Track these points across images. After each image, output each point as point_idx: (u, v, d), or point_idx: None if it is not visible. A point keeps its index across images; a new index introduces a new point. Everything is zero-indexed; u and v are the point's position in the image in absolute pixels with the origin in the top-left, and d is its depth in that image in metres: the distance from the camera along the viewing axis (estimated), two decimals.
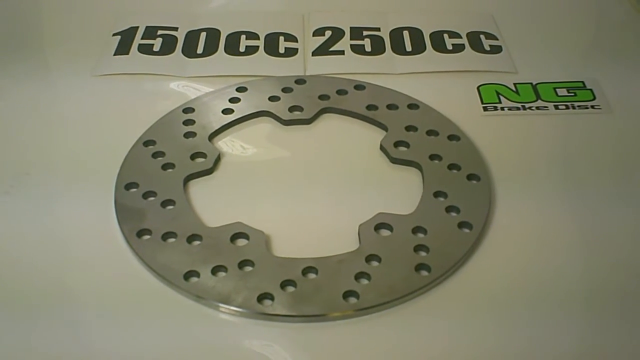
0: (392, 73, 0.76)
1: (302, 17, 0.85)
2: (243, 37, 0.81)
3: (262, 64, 0.77)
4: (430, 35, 0.81)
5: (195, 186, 0.62)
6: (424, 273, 0.53)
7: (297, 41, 0.81)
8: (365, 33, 0.82)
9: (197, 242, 0.56)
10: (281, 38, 0.81)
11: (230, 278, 0.53)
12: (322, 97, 0.71)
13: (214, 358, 0.49)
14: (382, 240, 0.56)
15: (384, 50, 0.79)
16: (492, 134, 0.67)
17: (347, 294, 0.51)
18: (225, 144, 0.67)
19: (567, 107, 0.70)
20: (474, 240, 0.56)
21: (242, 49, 0.79)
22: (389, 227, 0.57)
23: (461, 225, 0.57)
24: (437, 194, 0.59)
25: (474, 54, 0.78)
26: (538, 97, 0.71)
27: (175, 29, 0.83)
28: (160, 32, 0.82)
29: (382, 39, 0.81)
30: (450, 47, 0.79)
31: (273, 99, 0.71)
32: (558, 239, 0.57)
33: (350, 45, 0.80)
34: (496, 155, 0.64)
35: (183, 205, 0.59)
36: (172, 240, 0.56)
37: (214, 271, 0.53)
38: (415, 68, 0.76)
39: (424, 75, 0.76)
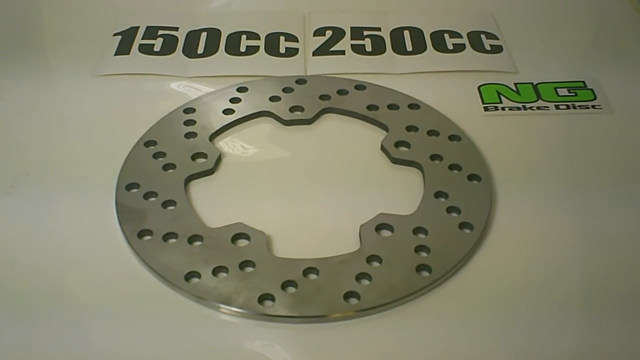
0: (393, 73, 0.76)
1: (303, 17, 0.85)
2: (244, 37, 0.81)
3: (262, 64, 0.77)
4: (431, 35, 0.81)
5: (196, 187, 0.62)
6: (425, 274, 0.53)
7: (297, 41, 0.81)
8: (365, 33, 0.82)
9: (198, 243, 0.56)
10: (282, 38, 0.81)
11: (231, 279, 0.53)
12: (323, 97, 0.71)
13: (215, 359, 0.49)
14: (383, 240, 0.56)
15: (385, 50, 0.79)
16: (493, 134, 0.67)
17: (348, 295, 0.51)
18: (226, 144, 0.67)
19: (568, 107, 0.70)
20: (474, 240, 0.56)
21: (242, 49, 0.79)
22: (389, 228, 0.57)
23: (462, 225, 0.57)
24: (438, 195, 0.59)
25: (474, 54, 0.78)
26: (539, 97, 0.71)
27: (176, 29, 0.83)
28: (160, 32, 0.82)
29: (382, 38, 0.81)
30: (450, 47, 0.79)
31: (274, 99, 0.71)
32: (559, 240, 0.57)
33: (351, 45, 0.80)
34: (497, 155, 0.64)
35: (184, 206, 0.59)
36: (173, 240, 0.56)
37: (215, 272, 0.53)
38: (416, 68, 0.76)
39: (424, 75, 0.76)
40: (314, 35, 0.81)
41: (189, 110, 0.69)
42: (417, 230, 0.56)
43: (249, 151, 0.67)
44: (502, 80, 0.74)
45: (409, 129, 0.66)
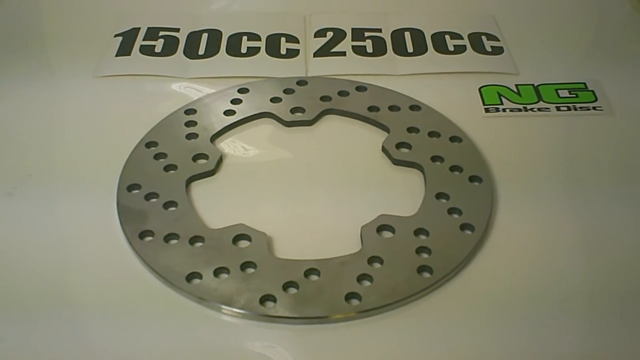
0: (394, 74, 0.76)
1: (304, 18, 0.85)
2: (244, 38, 0.81)
3: (263, 65, 0.77)
4: (432, 36, 0.81)
5: (198, 188, 0.62)
6: (426, 275, 0.53)
7: (298, 42, 0.81)
8: (366, 34, 0.82)
9: (199, 244, 0.56)
10: (282, 39, 0.81)
11: (233, 280, 0.53)
12: (324, 99, 0.71)
13: None
14: (384, 242, 0.56)
15: (386, 52, 0.79)
16: (494, 136, 0.67)
17: (349, 296, 0.51)
18: (227, 145, 0.67)
19: (569, 109, 0.70)
20: (476, 242, 0.56)
21: (243, 50, 0.79)
22: (391, 229, 0.57)
23: (463, 227, 0.57)
24: (439, 196, 0.60)
25: (475, 55, 0.78)
26: (540, 99, 0.71)
27: (177, 30, 0.83)
28: (161, 33, 0.82)
29: (383, 40, 0.81)
30: (451, 48, 0.79)
31: (275, 100, 0.71)
32: (560, 241, 0.57)
33: (352, 46, 0.80)
34: (498, 156, 0.64)
35: (185, 207, 0.59)
36: (174, 241, 0.56)
37: (216, 273, 0.53)
38: (417, 69, 0.76)
39: (425, 77, 0.76)
40: (315, 37, 0.81)
41: (190, 111, 0.69)
42: (418, 232, 0.56)
43: (250, 152, 0.67)
44: (503, 82, 0.74)
45: (410, 130, 0.67)
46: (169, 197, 0.59)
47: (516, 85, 0.73)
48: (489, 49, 0.79)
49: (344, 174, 0.64)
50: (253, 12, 0.87)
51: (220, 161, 0.64)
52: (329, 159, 0.66)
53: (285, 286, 0.52)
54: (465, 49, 0.79)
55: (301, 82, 0.73)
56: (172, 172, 0.62)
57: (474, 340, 0.50)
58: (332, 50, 0.79)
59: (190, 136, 0.66)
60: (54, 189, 0.62)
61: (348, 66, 0.77)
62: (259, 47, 0.80)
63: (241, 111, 0.70)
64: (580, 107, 0.70)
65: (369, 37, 0.81)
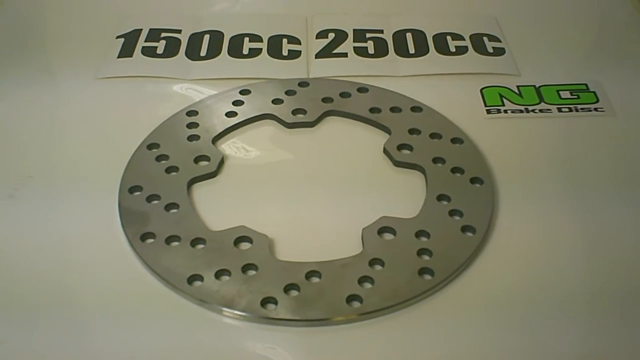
0: (395, 75, 0.76)
1: (305, 19, 0.85)
2: (246, 39, 0.81)
3: (265, 66, 0.77)
4: (434, 37, 0.81)
5: (199, 189, 0.62)
6: (428, 277, 0.53)
7: (300, 44, 0.81)
8: (368, 35, 0.82)
9: (200, 246, 0.56)
10: (284, 40, 0.81)
11: (234, 282, 0.53)
12: (326, 100, 0.71)
13: None
14: (386, 244, 0.56)
15: (387, 53, 0.79)
16: (496, 137, 0.67)
17: (350, 298, 0.51)
18: (229, 147, 0.67)
19: (571, 110, 0.70)
20: (477, 243, 0.56)
21: (245, 51, 0.79)
22: (392, 231, 0.57)
23: (464, 228, 0.57)
24: (440, 198, 0.60)
25: (477, 57, 0.78)
26: (541, 100, 0.71)
27: (179, 31, 0.83)
28: (163, 34, 0.82)
29: (385, 41, 0.81)
30: (453, 50, 0.79)
31: (276, 101, 0.71)
32: (562, 242, 0.57)
33: (354, 47, 0.80)
34: (499, 158, 0.64)
35: (187, 209, 0.59)
36: (175, 243, 0.56)
37: (218, 275, 0.53)
38: (419, 70, 0.76)
39: (427, 78, 0.76)
40: (317, 38, 0.81)
41: (191, 112, 0.69)
42: (419, 234, 0.56)
43: (251, 154, 0.67)
44: (504, 83, 0.74)
45: (412, 131, 0.67)
46: (171, 199, 0.60)
47: (518, 87, 0.73)
48: (491, 50, 0.79)
49: (345, 176, 0.64)
50: (255, 13, 0.87)
51: (221, 163, 0.64)
52: (331, 161, 0.66)
53: (287, 288, 0.52)
54: (467, 50, 0.79)
55: (303, 84, 0.73)
56: (174, 173, 0.62)
57: (476, 342, 0.50)
58: (334, 52, 0.79)
59: (192, 138, 0.66)
60: (56, 190, 0.62)
61: (349, 67, 0.77)
62: (261, 49, 0.80)
63: (243, 113, 0.70)
64: (581, 108, 0.70)
65: (370, 39, 0.81)
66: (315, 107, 0.70)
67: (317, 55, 0.79)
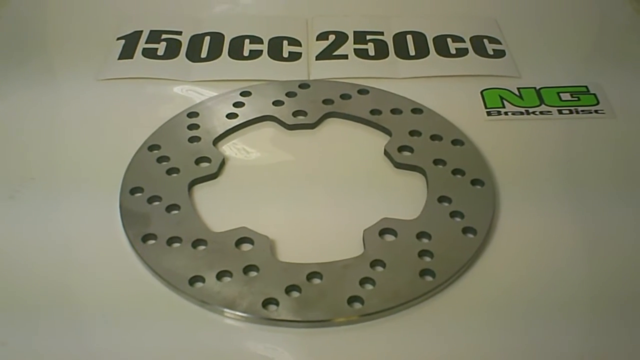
0: (396, 77, 0.76)
1: (306, 21, 0.85)
2: (247, 41, 0.81)
3: (265, 68, 0.77)
4: (434, 39, 0.81)
5: (200, 191, 0.62)
6: (429, 278, 0.53)
7: (300, 45, 0.81)
8: (368, 37, 0.82)
9: (202, 247, 0.56)
10: (285, 42, 0.81)
11: (235, 283, 0.53)
12: (326, 102, 0.71)
13: None
14: (387, 245, 0.56)
15: (388, 55, 0.79)
16: (496, 139, 0.67)
17: (351, 300, 0.51)
18: (230, 148, 0.67)
19: (571, 112, 0.70)
20: (478, 245, 0.56)
21: (246, 53, 0.79)
22: (393, 232, 0.57)
23: (465, 230, 0.57)
24: (441, 199, 0.60)
25: (477, 59, 0.78)
26: (542, 102, 0.72)
27: (179, 33, 0.83)
28: (164, 36, 0.82)
29: (385, 43, 0.81)
30: (453, 52, 0.79)
31: (277, 103, 0.71)
32: (562, 244, 0.57)
33: (354, 49, 0.80)
34: (500, 160, 0.64)
35: (188, 210, 0.59)
36: (177, 245, 0.56)
37: (219, 276, 0.53)
38: (419, 72, 0.77)
39: (427, 80, 0.76)
40: (317, 40, 0.82)
41: (192, 114, 0.69)
42: (420, 235, 0.56)
43: (252, 155, 0.67)
44: (505, 85, 0.74)
45: (412, 133, 0.67)
46: (172, 200, 0.60)
47: (518, 89, 0.73)
48: (491, 52, 0.79)
49: (346, 178, 0.64)
50: (255, 15, 0.87)
51: (222, 164, 0.64)
52: (331, 163, 0.66)
53: (288, 289, 0.52)
54: (467, 52, 0.79)
55: (303, 85, 0.73)
56: (175, 175, 0.62)
57: (477, 343, 0.50)
58: (334, 54, 0.79)
59: (193, 139, 0.66)
60: (57, 192, 0.62)
61: (350, 69, 0.77)
62: (261, 50, 0.80)
63: (243, 114, 0.70)
64: (582, 111, 0.70)
65: (371, 40, 0.81)
66: (315, 108, 0.70)
67: (318, 57, 0.79)
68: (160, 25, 0.84)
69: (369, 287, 0.52)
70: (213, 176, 0.63)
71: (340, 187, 0.63)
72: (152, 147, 0.65)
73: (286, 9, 0.88)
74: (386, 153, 0.65)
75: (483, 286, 0.54)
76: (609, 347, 0.50)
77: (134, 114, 0.71)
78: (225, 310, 0.51)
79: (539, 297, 0.53)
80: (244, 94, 0.72)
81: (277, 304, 0.51)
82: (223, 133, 0.68)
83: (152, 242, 0.56)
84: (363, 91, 0.72)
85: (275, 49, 0.80)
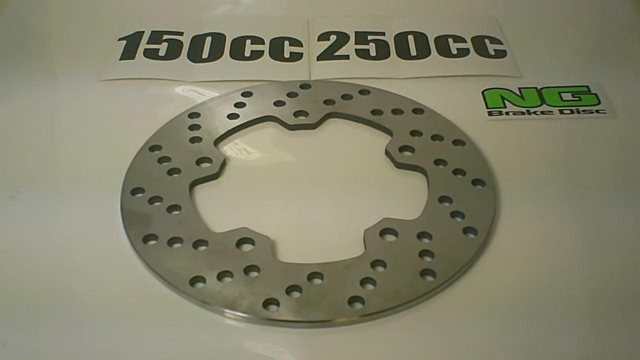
0: (397, 77, 0.76)
1: (307, 21, 0.85)
2: (248, 41, 0.81)
3: (267, 68, 0.77)
4: (435, 39, 0.81)
5: (201, 191, 0.62)
6: (429, 278, 0.53)
7: (302, 46, 0.81)
8: (370, 37, 0.82)
9: (202, 248, 0.56)
10: (286, 42, 0.81)
11: (236, 283, 0.53)
12: (327, 102, 0.71)
13: None
14: (388, 245, 0.56)
15: (389, 55, 0.79)
16: (497, 139, 0.67)
17: (352, 300, 0.51)
18: (231, 148, 0.67)
19: (572, 112, 0.70)
20: (479, 245, 0.56)
21: (247, 53, 0.80)
22: (394, 233, 0.57)
23: (466, 230, 0.57)
24: (442, 199, 0.60)
25: (478, 59, 0.78)
26: (543, 102, 0.71)
27: (181, 33, 0.83)
28: (165, 36, 0.82)
29: (386, 43, 0.81)
30: (454, 52, 0.79)
31: (278, 103, 0.71)
32: (563, 244, 0.57)
33: (355, 49, 0.80)
34: (501, 160, 0.64)
35: (189, 211, 0.59)
36: (177, 245, 0.56)
37: (220, 276, 0.53)
38: (420, 72, 0.77)
39: (428, 80, 0.76)
40: (318, 40, 0.82)
41: (193, 114, 0.69)
42: (421, 235, 0.56)
43: (253, 156, 0.67)
44: (506, 85, 0.74)
45: (413, 133, 0.67)
46: (173, 200, 0.60)
47: (519, 89, 0.73)
48: (492, 52, 0.79)
49: (347, 178, 0.64)
50: (256, 15, 0.87)
51: (223, 165, 0.64)
52: (332, 163, 0.66)
53: (289, 290, 0.52)
54: (469, 52, 0.79)
55: (304, 86, 0.73)
56: (176, 175, 0.63)
57: (477, 344, 0.50)
58: (336, 54, 0.79)
59: (194, 140, 0.66)
60: (57, 192, 0.62)
61: (351, 70, 0.77)
62: (263, 51, 0.80)
63: (245, 115, 0.70)
64: (583, 110, 0.70)
65: (372, 41, 0.81)
66: (317, 109, 0.70)
67: (319, 58, 0.79)
68: (162, 26, 0.84)
69: (370, 287, 0.52)
70: (214, 176, 0.63)
71: (341, 187, 0.63)
72: (153, 148, 0.65)
73: (287, 10, 0.88)
74: (387, 153, 0.65)
75: (484, 286, 0.54)
76: (609, 347, 0.50)
77: (135, 115, 0.71)
78: (226, 310, 0.51)
79: (540, 297, 0.53)
80: (245, 94, 0.72)
81: (277, 304, 0.51)
82: (224, 133, 0.68)
83: (153, 242, 0.56)
84: (364, 91, 0.72)
85: (276, 49, 0.80)
